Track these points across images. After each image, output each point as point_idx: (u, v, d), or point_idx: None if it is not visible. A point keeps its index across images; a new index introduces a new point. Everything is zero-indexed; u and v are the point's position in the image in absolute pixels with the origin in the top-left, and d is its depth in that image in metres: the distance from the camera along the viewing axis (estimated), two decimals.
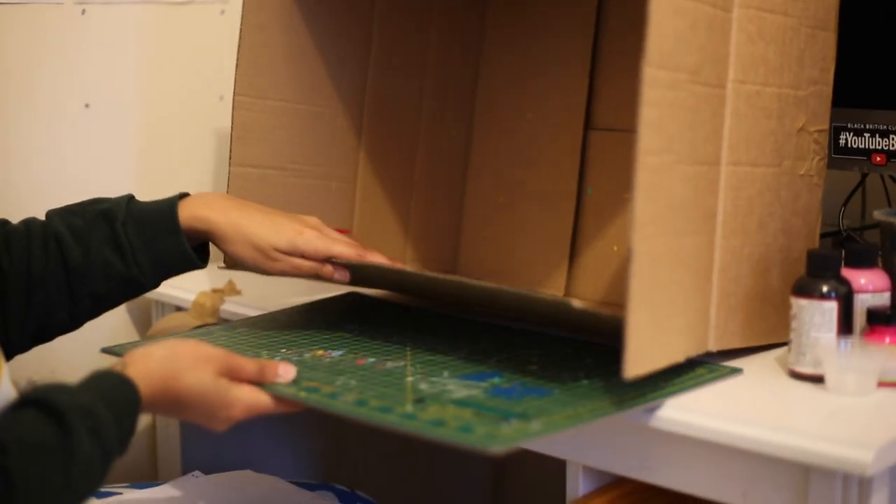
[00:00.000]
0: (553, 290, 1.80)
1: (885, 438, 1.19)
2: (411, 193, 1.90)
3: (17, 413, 1.15)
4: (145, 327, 1.97)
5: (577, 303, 1.32)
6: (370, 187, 1.85)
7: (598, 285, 1.77)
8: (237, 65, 1.67)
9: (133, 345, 1.61)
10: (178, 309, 1.88)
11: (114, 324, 1.96)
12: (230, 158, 1.68)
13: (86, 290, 1.47)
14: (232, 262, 1.62)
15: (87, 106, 1.92)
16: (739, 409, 1.29)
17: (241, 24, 1.67)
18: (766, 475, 1.24)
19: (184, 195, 1.53)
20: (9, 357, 1.45)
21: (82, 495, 1.16)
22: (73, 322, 1.50)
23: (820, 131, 1.51)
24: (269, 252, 1.52)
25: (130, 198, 1.52)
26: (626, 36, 1.68)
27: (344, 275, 1.56)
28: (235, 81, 1.67)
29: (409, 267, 1.88)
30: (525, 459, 1.50)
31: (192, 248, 1.50)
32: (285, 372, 1.37)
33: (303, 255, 1.53)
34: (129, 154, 1.98)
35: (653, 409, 1.30)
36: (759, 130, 1.42)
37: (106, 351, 1.55)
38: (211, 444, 1.92)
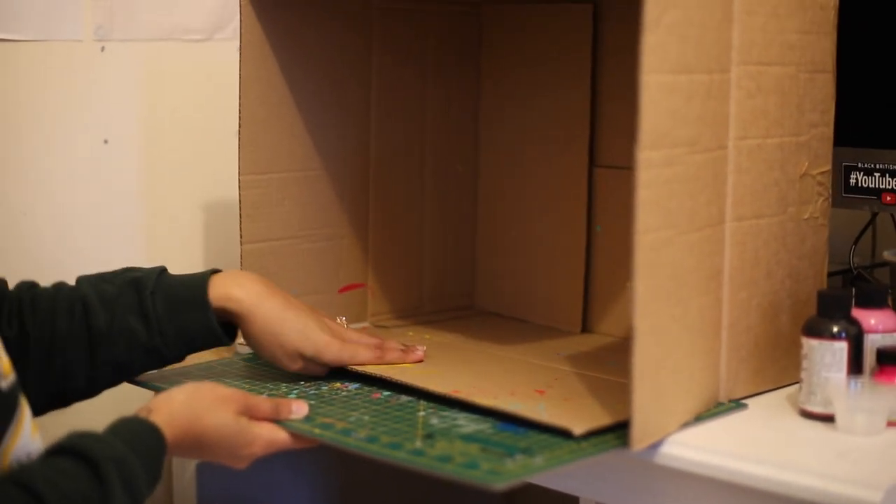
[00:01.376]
0: (570, 325, 1.84)
1: (894, 479, 1.21)
2: (423, 236, 1.93)
3: (52, 460, 1.17)
4: None
5: (578, 430, 1.33)
6: (382, 237, 1.88)
7: (614, 321, 1.81)
8: (239, 144, 1.69)
9: (159, 375, 1.63)
10: None
11: None
12: (241, 237, 1.71)
13: (107, 357, 1.48)
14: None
15: (105, 142, 1.93)
16: (749, 448, 1.31)
17: (240, 102, 1.69)
18: None
19: (216, 271, 1.53)
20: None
21: None
22: (90, 388, 1.51)
23: (823, 173, 1.53)
24: (292, 355, 1.53)
25: (163, 270, 1.52)
26: (626, 71, 1.69)
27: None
28: (239, 160, 1.70)
29: (428, 309, 1.93)
30: (539, 492, 1.51)
31: (220, 325, 1.51)
32: (298, 409, 1.42)
33: (325, 364, 1.55)
34: (146, 190, 1.99)
35: (661, 446, 1.33)
36: (762, 182, 1.44)
37: (132, 381, 1.58)
38: (226, 479, 1.92)
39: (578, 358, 1.68)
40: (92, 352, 1.47)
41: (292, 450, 1.41)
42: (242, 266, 1.71)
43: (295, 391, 1.53)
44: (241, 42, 1.67)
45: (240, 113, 1.68)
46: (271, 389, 1.54)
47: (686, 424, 1.36)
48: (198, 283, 1.50)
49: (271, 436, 1.38)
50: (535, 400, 1.44)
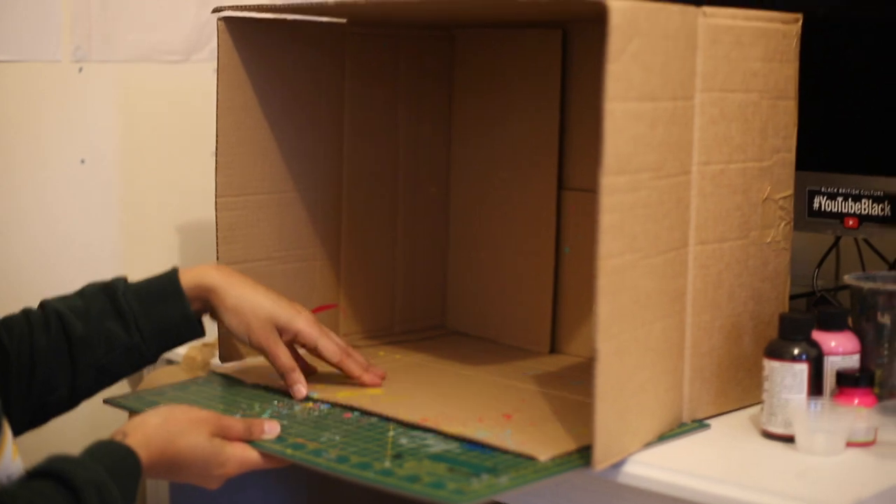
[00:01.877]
0: (538, 346, 1.87)
1: (852, 498, 1.24)
2: (395, 257, 1.95)
3: (32, 483, 1.19)
4: (136, 381, 1.99)
5: (543, 456, 1.36)
6: (354, 258, 1.90)
7: (582, 341, 1.83)
8: (216, 168, 1.71)
9: (134, 395, 1.67)
10: (170, 363, 1.90)
11: None
12: (217, 258, 1.72)
13: (88, 362, 1.50)
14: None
15: (82, 161, 1.94)
16: (711, 467, 1.34)
17: (217, 127, 1.70)
18: None
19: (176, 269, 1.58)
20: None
21: None
22: (72, 398, 1.53)
23: (785, 197, 1.56)
24: (265, 323, 1.56)
25: (125, 277, 1.57)
26: (594, 95, 1.72)
27: (300, 391, 1.60)
28: (216, 183, 1.71)
29: (399, 329, 1.95)
30: None
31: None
32: (270, 429, 1.44)
33: (296, 337, 1.59)
34: (122, 209, 2.01)
35: (626, 465, 1.35)
36: (724, 207, 1.47)
37: (108, 402, 1.61)
38: (199, 499, 1.93)
39: (546, 378, 1.71)
40: (73, 359, 1.49)
41: (264, 469, 1.43)
42: None
43: (268, 411, 1.55)
44: (218, 67, 1.69)
45: (217, 137, 1.70)
46: (245, 410, 1.56)
47: (649, 444, 1.39)
48: (168, 276, 1.55)
49: (244, 456, 1.40)
50: (503, 426, 1.46)
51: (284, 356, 1.58)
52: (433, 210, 1.97)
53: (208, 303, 1.57)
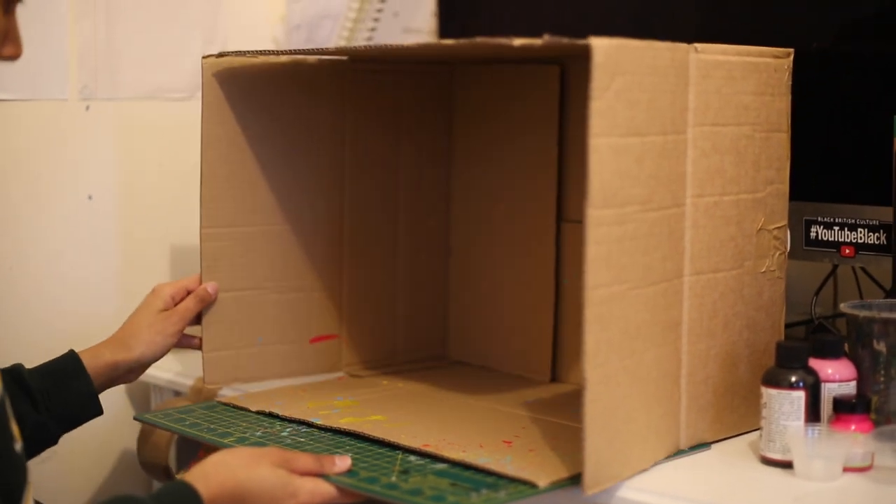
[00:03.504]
0: (539, 375, 1.90)
1: None
2: (396, 289, 1.99)
3: None
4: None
5: (542, 482, 1.39)
6: (355, 289, 1.94)
7: (580, 370, 1.82)
8: (201, 199, 1.75)
9: (162, 412, 1.71)
10: (177, 394, 1.92)
11: (115, 411, 2.00)
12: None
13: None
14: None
15: (90, 198, 1.96)
16: (711, 492, 1.37)
17: (201, 160, 1.74)
18: None
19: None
20: None
21: None
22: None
23: (779, 228, 1.60)
24: (165, 307, 1.68)
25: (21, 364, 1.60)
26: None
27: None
28: (201, 215, 1.75)
29: (401, 359, 1.98)
30: None
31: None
32: (342, 463, 1.45)
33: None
34: (124, 244, 2.03)
35: (623, 491, 1.39)
36: (718, 238, 1.51)
37: (138, 419, 1.69)
38: None
39: (546, 406, 1.75)
40: None
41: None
42: (203, 314, 1.75)
43: (288, 429, 1.61)
44: (202, 103, 1.73)
45: (201, 170, 1.74)
46: (266, 427, 1.62)
47: (644, 471, 1.42)
48: (70, 356, 1.61)
49: (315, 487, 1.41)
50: (503, 452, 1.50)
51: (188, 312, 1.71)
52: (434, 241, 2.01)
53: (115, 353, 1.64)
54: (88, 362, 1.61)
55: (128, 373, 1.66)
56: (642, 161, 1.38)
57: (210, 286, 1.71)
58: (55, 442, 1.59)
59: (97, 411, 1.62)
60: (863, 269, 1.89)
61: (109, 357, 1.63)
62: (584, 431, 1.33)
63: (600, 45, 1.30)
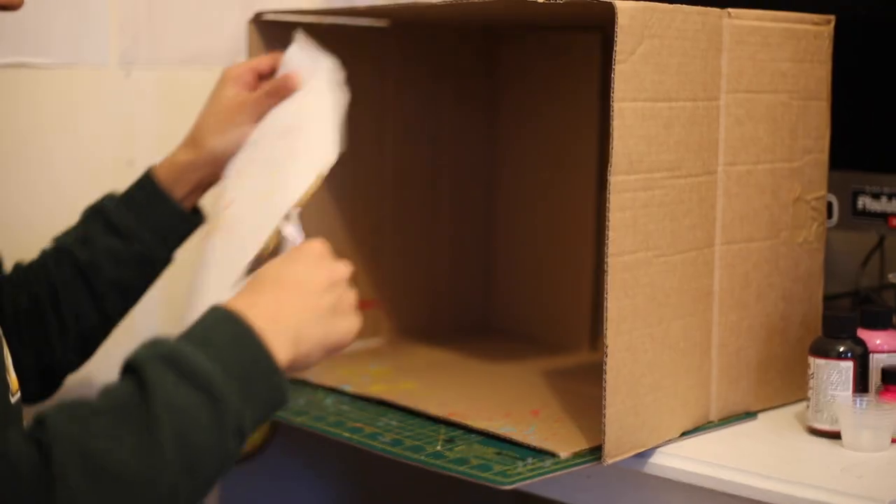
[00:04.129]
0: (578, 343, 1.91)
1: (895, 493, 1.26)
2: (438, 256, 2.01)
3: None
4: None
5: (564, 453, 1.40)
6: (396, 256, 1.95)
7: None
8: None
9: None
10: None
11: None
12: None
13: (104, 283, 1.55)
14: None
15: (131, 164, 1.97)
16: (759, 463, 1.36)
17: None
18: None
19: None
20: (61, 377, 1.57)
21: (191, 453, 1.00)
22: (105, 322, 1.57)
23: (817, 198, 1.57)
24: (235, 95, 1.59)
25: (112, 193, 1.60)
26: None
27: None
28: None
29: (441, 327, 1.99)
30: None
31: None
32: None
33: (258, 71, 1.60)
34: None
35: (669, 460, 1.39)
36: (752, 207, 1.50)
37: None
38: (247, 490, 1.96)
39: (581, 375, 1.75)
40: (89, 285, 1.55)
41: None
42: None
43: (331, 398, 1.63)
44: None
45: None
46: (309, 395, 1.64)
47: (670, 441, 1.42)
48: (144, 180, 1.59)
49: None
50: (528, 422, 1.50)
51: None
52: (475, 209, 2.02)
53: (193, 150, 1.60)
54: (165, 175, 1.59)
55: (208, 171, 1.58)
56: (671, 127, 1.37)
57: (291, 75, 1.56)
58: (167, 262, 1.60)
59: (196, 224, 1.61)
60: None
61: (183, 158, 1.59)
62: (604, 399, 1.33)
63: (625, 8, 1.30)
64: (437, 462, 1.38)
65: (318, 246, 1.24)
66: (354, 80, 1.83)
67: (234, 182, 1.52)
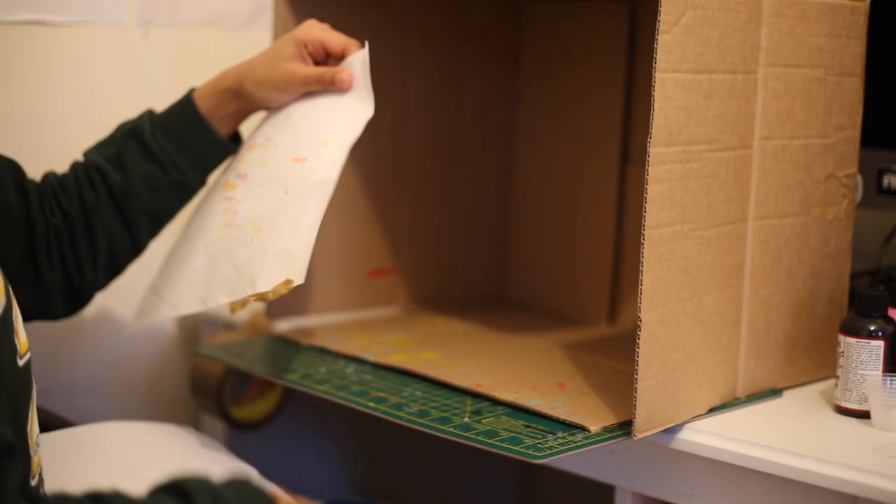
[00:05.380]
0: (597, 316, 1.91)
1: None
2: (456, 226, 2.01)
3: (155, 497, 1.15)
4: (195, 346, 2.02)
5: (594, 427, 1.40)
6: (414, 226, 1.95)
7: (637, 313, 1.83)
8: None
9: (222, 347, 1.74)
10: (228, 328, 1.92)
11: (162, 344, 2.01)
12: None
13: (137, 209, 1.56)
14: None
15: None
16: (788, 441, 1.37)
17: None
18: None
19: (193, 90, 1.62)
20: (89, 295, 1.59)
21: None
22: (136, 245, 1.59)
23: (848, 175, 1.58)
24: (295, 51, 1.57)
25: (151, 111, 1.61)
26: None
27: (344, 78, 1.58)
28: None
29: (458, 297, 1.99)
30: (556, 475, 1.54)
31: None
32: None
33: (325, 46, 1.58)
34: None
35: (698, 436, 1.39)
36: (785, 182, 1.50)
37: (198, 353, 1.71)
38: (252, 458, 1.96)
39: (602, 348, 1.76)
40: (121, 211, 1.56)
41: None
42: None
43: (352, 366, 1.63)
44: (273, 29, 1.74)
45: None
46: (329, 363, 1.63)
47: (697, 417, 1.43)
48: (185, 104, 1.59)
49: None
50: (555, 395, 1.50)
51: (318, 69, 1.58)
52: (495, 180, 2.02)
53: (237, 91, 1.59)
54: (205, 102, 1.59)
55: (245, 107, 1.61)
56: (710, 99, 1.37)
57: (345, 77, 1.57)
58: (200, 185, 1.61)
59: (230, 152, 1.61)
60: None
61: (224, 88, 1.60)
62: (637, 373, 1.33)
63: None
64: (467, 434, 1.38)
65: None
66: (379, 43, 1.83)
67: (260, 149, 1.55)
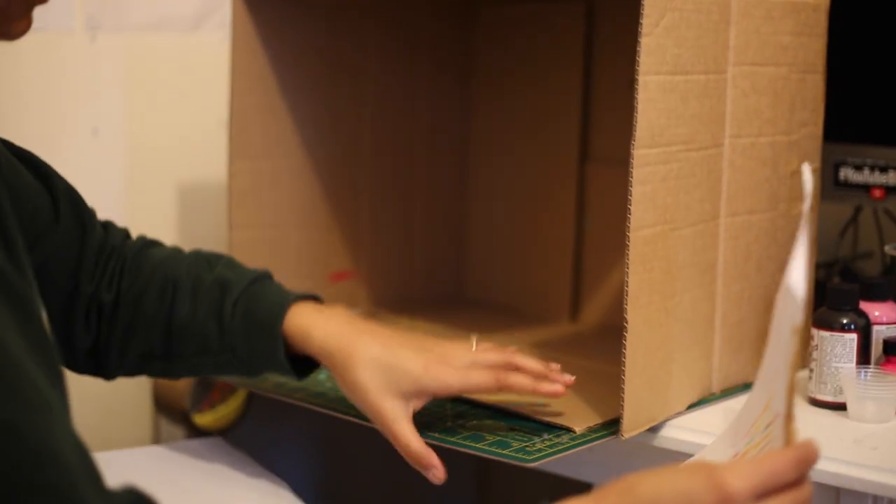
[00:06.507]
0: (558, 314, 1.93)
1: None
2: (413, 226, 2.02)
3: None
4: None
5: (578, 428, 1.42)
6: (373, 227, 1.96)
7: (601, 310, 1.87)
8: (229, 133, 1.74)
9: None
10: None
11: None
12: (230, 224, 1.76)
13: (180, 352, 1.43)
14: None
15: (95, 132, 1.95)
16: None
17: (230, 92, 1.74)
18: None
19: (306, 297, 1.43)
20: (110, 377, 1.49)
21: None
22: (168, 374, 1.48)
23: (812, 171, 1.57)
24: (397, 398, 1.35)
25: (258, 277, 1.44)
26: (618, 68, 1.74)
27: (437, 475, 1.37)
28: (229, 148, 1.75)
29: (417, 297, 1.99)
30: (512, 475, 1.55)
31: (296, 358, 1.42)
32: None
33: (433, 394, 1.37)
34: (131, 180, 2.01)
35: (680, 433, 1.42)
36: (754, 179, 1.53)
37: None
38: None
39: (568, 347, 1.78)
40: (168, 344, 1.43)
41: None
42: (231, 253, 1.73)
43: (325, 371, 1.52)
44: (232, 34, 1.73)
45: (230, 101, 1.74)
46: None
47: (678, 414, 1.45)
48: (276, 307, 1.40)
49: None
50: (534, 396, 1.49)
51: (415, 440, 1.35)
52: (453, 180, 2.03)
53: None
54: (292, 331, 1.39)
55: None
56: (687, 100, 1.40)
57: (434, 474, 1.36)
58: (252, 375, 1.47)
59: (289, 375, 1.42)
60: (886, 211, 1.90)
61: (308, 353, 1.40)
62: (624, 374, 1.35)
63: None
64: (452, 439, 1.39)
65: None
66: (335, 47, 1.84)
67: None
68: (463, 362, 1.36)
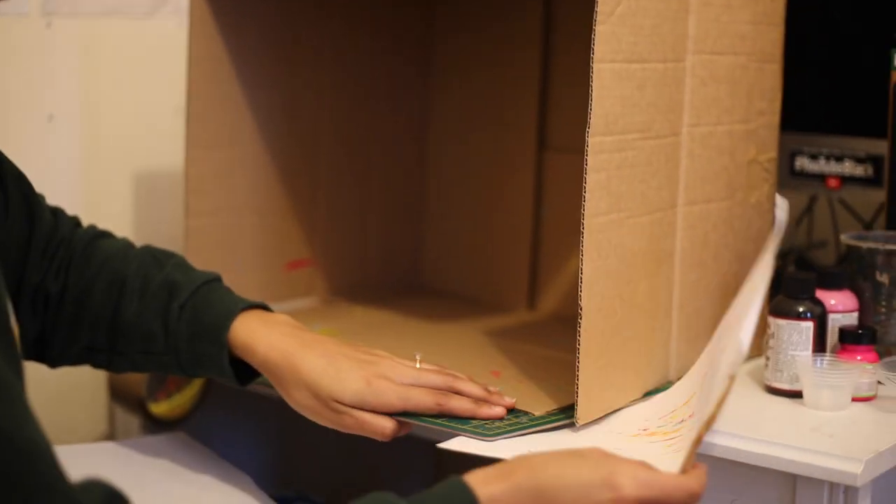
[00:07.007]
0: (515, 303, 1.93)
1: (870, 451, 1.31)
2: (369, 214, 2.01)
3: None
4: None
5: (538, 412, 1.42)
6: (329, 215, 1.95)
7: (558, 298, 1.88)
8: (187, 119, 1.73)
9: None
10: None
11: None
12: (186, 212, 1.74)
13: (125, 351, 1.44)
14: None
15: (50, 118, 1.94)
16: (726, 422, 1.37)
17: (187, 79, 1.72)
18: (755, 486, 1.36)
19: (253, 306, 1.44)
20: (53, 365, 1.50)
21: None
22: (111, 367, 1.48)
23: (769, 159, 1.63)
24: (329, 403, 1.36)
25: (207, 280, 1.45)
26: (576, 56, 1.74)
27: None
28: (186, 136, 1.73)
29: (373, 285, 1.99)
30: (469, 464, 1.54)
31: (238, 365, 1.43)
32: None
33: (372, 410, 1.37)
34: (87, 166, 2.01)
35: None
36: (712, 168, 1.54)
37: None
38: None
39: (526, 335, 1.78)
40: (112, 339, 1.45)
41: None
42: (187, 241, 1.74)
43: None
44: (189, 20, 1.71)
45: (188, 89, 1.73)
46: None
47: (635, 401, 1.46)
48: (223, 317, 1.41)
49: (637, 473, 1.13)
50: (493, 383, 1.50)
51: (367, 426, 1.37)
52: (409, 167, 2.03)
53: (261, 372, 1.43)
54: (237, 342, 1.40)
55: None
56: (644, 88, 1.40)
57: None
58: (192, 376, 1.54)
59: (232, 382, 1.44)
60: (841, 201, 1.92)
61: (253, 363, 1.41)
62: (578, 361, 1.36)
63: None
64: (417, 416, 1.38)
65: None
66: (290, 36, 1.83)
67: None
68: (405, 380, 1.38)
